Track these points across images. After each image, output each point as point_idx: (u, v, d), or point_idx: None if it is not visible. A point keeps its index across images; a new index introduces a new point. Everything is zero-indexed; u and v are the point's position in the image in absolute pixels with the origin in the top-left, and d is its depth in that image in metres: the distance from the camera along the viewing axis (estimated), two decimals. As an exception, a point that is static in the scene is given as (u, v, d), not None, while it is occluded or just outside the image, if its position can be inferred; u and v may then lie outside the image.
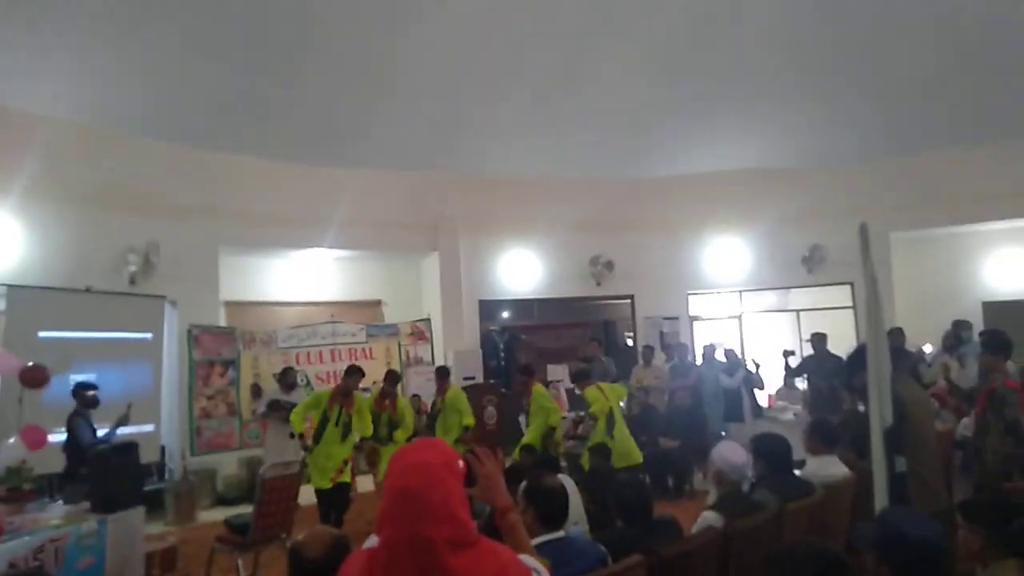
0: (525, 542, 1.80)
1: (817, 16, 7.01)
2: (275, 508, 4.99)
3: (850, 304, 11.11)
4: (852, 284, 11.07)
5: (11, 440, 5.13)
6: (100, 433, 6.19)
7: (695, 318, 11.77)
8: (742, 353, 8.97)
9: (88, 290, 7.61)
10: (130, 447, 5.22)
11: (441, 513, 1.39)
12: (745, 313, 11.87)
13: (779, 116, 8.99)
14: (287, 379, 7.81)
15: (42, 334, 7.11)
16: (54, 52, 6.27)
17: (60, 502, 5.16)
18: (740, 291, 11.79)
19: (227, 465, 8.86)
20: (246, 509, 6.47)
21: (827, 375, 7.30)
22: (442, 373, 7.71)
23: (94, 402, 6.27)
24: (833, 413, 5.77)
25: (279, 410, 7.43)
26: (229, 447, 8.64)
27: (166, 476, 8.33)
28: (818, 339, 7.88)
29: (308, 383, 9.32)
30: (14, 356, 5.99)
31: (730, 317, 11.90)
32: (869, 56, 7.64)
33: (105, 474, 4.92)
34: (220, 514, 6.86)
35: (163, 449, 8.35)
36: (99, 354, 7.55)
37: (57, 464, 6.00)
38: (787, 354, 8.17)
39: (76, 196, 7.86)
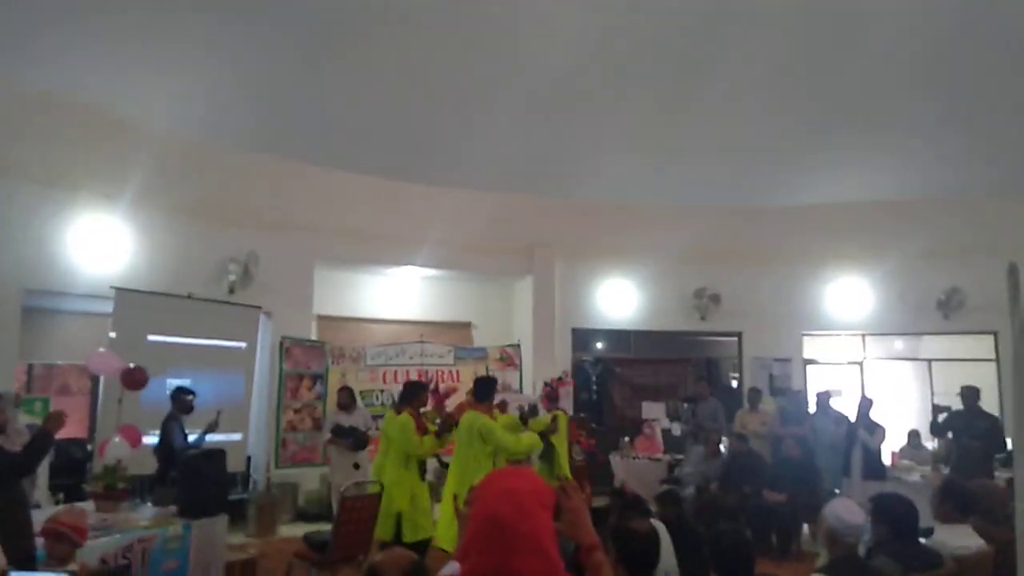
0: None
1: (953, 35, 6.64)
2: (354, 528, 5.10)
3: (992, 356, 10.33)
4: (996, 333, 10.30)
5: (116, 439, 5.50)
6: (191, 439, 6.56)
7: (809, 361, 11.31)
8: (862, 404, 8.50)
9: (190, 297, 8.12)
10: (218, 454, 5.50)
11: (530, 545, 1.38)
12: (868, 359, 11.28)
13: (910, 143, 8.54)
14: (343, 398, 8.01)
15: (148, 337, 7.64)
16: (169, 67, 6.81)
17: (150, 504, 5.49)
18: (863, 335, 11.27)
19: (309, 480, 9.17)
20: (325, 527, 6.68)
21: (979, 435, 6.80)
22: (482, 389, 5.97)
23: (190, 407, 6.65)
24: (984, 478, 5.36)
25: (342, 435, 7.63)
26: (312, 462, 8.93)
27: (250, 487, 8.70)
28: (969, 393, 7.36)
29: (395, 403, 9.54)
30: (118, 357, 6.47)
31: (850, 363, 11.36)
32: (1015, 77, 7.15)
33: (194, 479, 5.20)
34: (300, 529, 7.10)
35: (249, 459, 8.74)
36: (195, 360, 8.04)
37: (149, 466, 6.40)
38: (938, 410, 7.65)
39: (182, 206, 8.44)
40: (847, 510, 3.17)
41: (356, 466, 7.53)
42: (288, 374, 8.99)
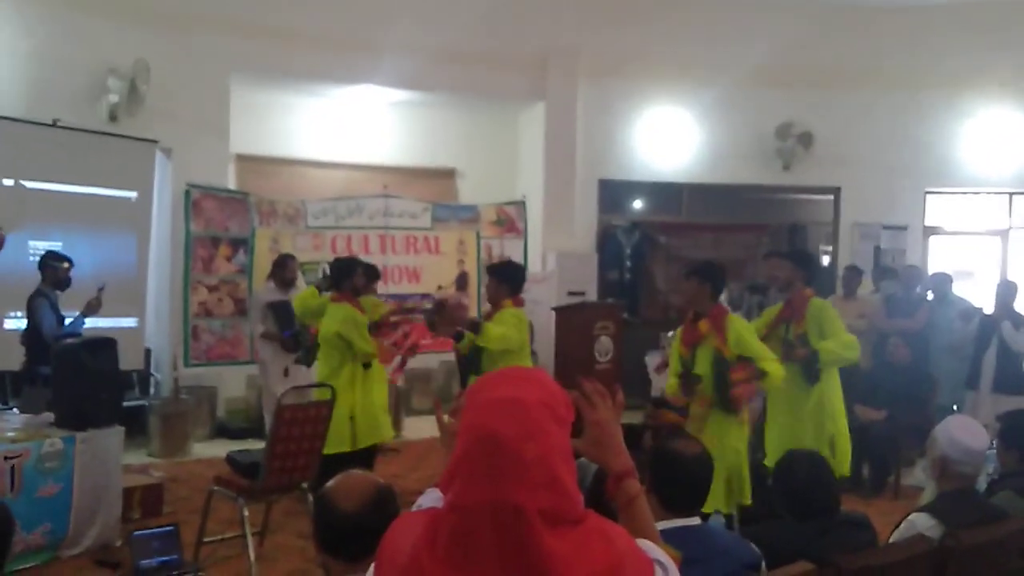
0: (647, 523, 1.86)
1: None
2: (296, 447, 5.30)
3: None
4: None
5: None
6: (67, 323, 6.71)
7: (932, 230, 11.39)
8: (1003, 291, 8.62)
9: (55, 124, 8.06)
10: (106, 345, 5.66)
11: (538, 474, 1.42)
12: (1015, 229, 11.38)
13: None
14: (283, 271, 8.09)
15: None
16: None
17: (15, 410, 5.70)
18: (1010, 193, 11.29)
19: (232, 383, 9.47)
20: (256, 444, 6.96)
21: None
22: (505, 276, 6.17)
23: (65, 280, 6.76)
24: None
25: (279, 325, 7.81)
26: (236, 359, 9.12)
27: (151, 391, 8.97)
28: None
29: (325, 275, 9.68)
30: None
31: (990, 233, 11.45)
32: None
33: (74, 378, 5.37)
34: (221, 448, 7.38)
35: (148, 354, 8.98)
36: (68, 215, 8.08)
37: (13, 360, 6.58)
38: None
39: (39, -9, 8.24)
40: (965, 430, 3.30)
41: (286, 372, 7.76)
42: (198, 237, 9.02)
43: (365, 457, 6.38)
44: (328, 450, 5.66)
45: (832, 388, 5.84)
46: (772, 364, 5.07)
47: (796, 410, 5.83)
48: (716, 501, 4.54)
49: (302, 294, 7.14)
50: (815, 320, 5.71)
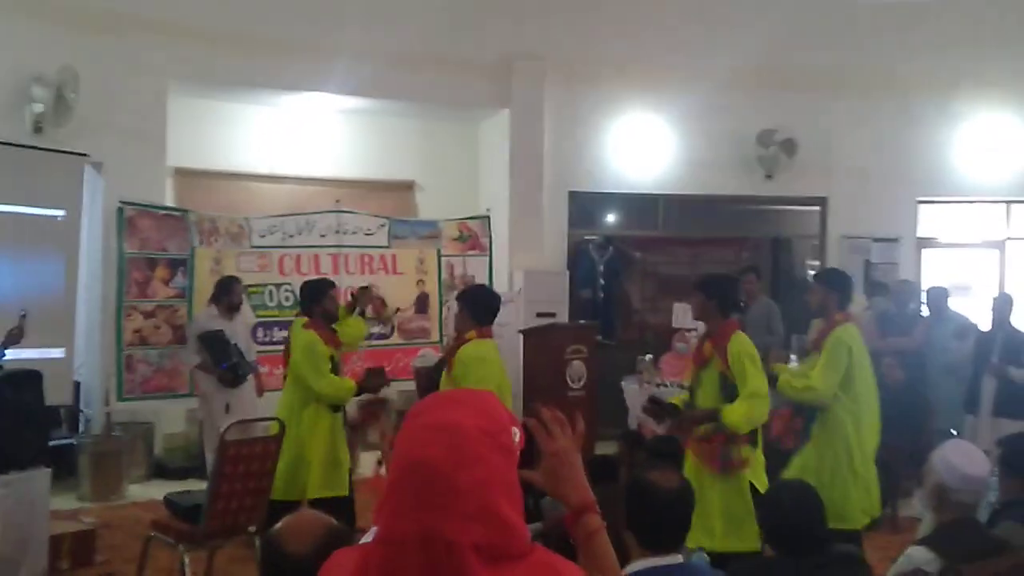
0: (607, 561, 1.87)
1: None
2: (241, 487, 5.26)
3: None
4: None
5: None
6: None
7: (926, 241, 11.49)
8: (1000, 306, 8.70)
9: (-28, 138, 7.97)
10: (30, 378, 5.59)
11: (473, 505, 1.42)
12: (1012, 239, 11.51)
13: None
14: (229, 296, 8.02)
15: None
16: None
17: (-70, 451, 5.58)
18: (1007, 201, 11.42)
19: (171, 419, 9.36)
20: (197, 485, 6.88)
21: None
22: (469, 303, 5.84)
23: (-20, 308, 6.67)
24: None
25: (214, 356, 7.73)
26: (174, 391, 9.02)
27: (81, 427, 8.85)
28: None
29: (296, 303, 9.61)
30: None
31: (986, 245, 11.57)
32: None
33: (-5, 415, 5.29)
34: (158, 489, 7.29)
35: (77, 387, 8.84)
36: (-13, 237, 7.96)
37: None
38: None
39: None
40: (964, 456, 3.33)
41: (227, 408, 7.69)
42: (132, 258, 8.93)
43: (318, 506, 6.23)
44: (276, 495, 5.61)
45: (832, 441, 5.47)
46: (733, 409, 4.81)
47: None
48: (699, 537, 4.50)
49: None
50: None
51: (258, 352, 8.58)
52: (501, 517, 1.44)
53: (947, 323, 8.62)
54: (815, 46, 10.75)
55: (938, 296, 8.88)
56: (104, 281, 8.88)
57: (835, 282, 5.73)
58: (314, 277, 7.70)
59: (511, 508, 1.47)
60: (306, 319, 6.30)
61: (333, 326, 6.44)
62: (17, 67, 8.49)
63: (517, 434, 1.56)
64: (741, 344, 4.95)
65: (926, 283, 10.19)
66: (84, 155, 8.69)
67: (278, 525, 2.41)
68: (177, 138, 9.76)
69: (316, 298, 6.31)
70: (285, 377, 6.48)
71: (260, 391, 8.21)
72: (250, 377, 8.00)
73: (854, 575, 3.09)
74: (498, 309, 5.83)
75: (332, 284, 6.64)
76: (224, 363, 7.67)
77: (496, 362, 5.62)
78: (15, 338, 6.68)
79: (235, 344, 7.81)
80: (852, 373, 5.40)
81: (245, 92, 10.46)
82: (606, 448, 8.23)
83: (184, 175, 10.33)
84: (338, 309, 6.55)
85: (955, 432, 8.07)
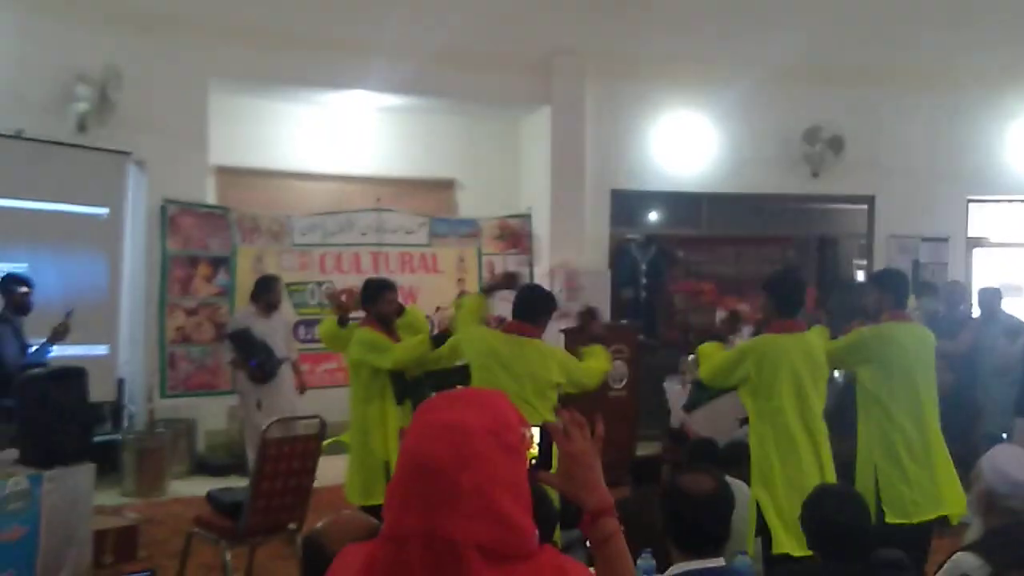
0: (623, 565, 1.87)
1: None
2: (282, 485, 5.31)
3: None
4: None
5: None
6: (30, 351, 6.72)
7: (976, 241, 11.40)
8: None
9: (19, 136, 8.09)
10: (74, 376, 5.66)
11: (476, 505, 1.44)
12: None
13: None
14: (268, 294, 8.07)
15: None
16: None
17: (-23, 446, 5.68)
18: (1063, 201, 11.28)
19: (213, 415, 9.43)
20: (239, 481, 6.95)
21: None
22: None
23: (26, 305, 6.79)
24: None
25: (242, 353, 7.79)
26: (216, 388, 9.15)
27: (124, 424, 8.96)
28: None
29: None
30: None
31: (1038, 245, 11.43)
32: None
33: (39, 411, 5.37)
34: (201, 486, 7.36)
35: (120, 384, 8.94)
36: (32, 234, 8.08)
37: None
38: None
39: (5, -9, 8.28)
40: (1013, 461, 3.29)
41: (259, 405, 7.74)
42: (175, 256, 9.05)
43: None
44: (357, 500, 5.55)
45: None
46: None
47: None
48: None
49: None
50: None
51: (300, 350, 8.64)
52: (506, 517, 1.46)
53: (998, 324, 8.51)
54: (863, 41, 10.64)
55: (990, 297, 8.76)
56: (147, 279, 8.99)
57: (889, 283, 5.59)
58: (375, 277, 7.14)
59: (517, 508, 1.48)
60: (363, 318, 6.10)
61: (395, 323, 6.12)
62: (61, 66, 8.60)
63: (528, 434, 1.57)
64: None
65: (976, 284, 10.07)
66: (127, 153, 8.81)
67: (319, 525, 2.44)
68: (219, 136, 9.84)
69: (371, 299, 6.04)
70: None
71: (301, 388, 8.26)
72: (288, 374, 8.06)
73: (899, 580, 3.06)
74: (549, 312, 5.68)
75: (390, 286, 6.23)
76: (253, 360, 7.74)
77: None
78: (61, 335, 6.82)
79: (263, 341, 7.84)
80: (891, 369, 5.29)
81: (286, 90, 10.52)
82: (648, 449, 8.23)
83: (226, 173, 10.41)
84: (395, 313, 6.13)
85: (1005, 435, 7.98)
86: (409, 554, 1.43)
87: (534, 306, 5.55)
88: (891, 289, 5.50)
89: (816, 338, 5.10)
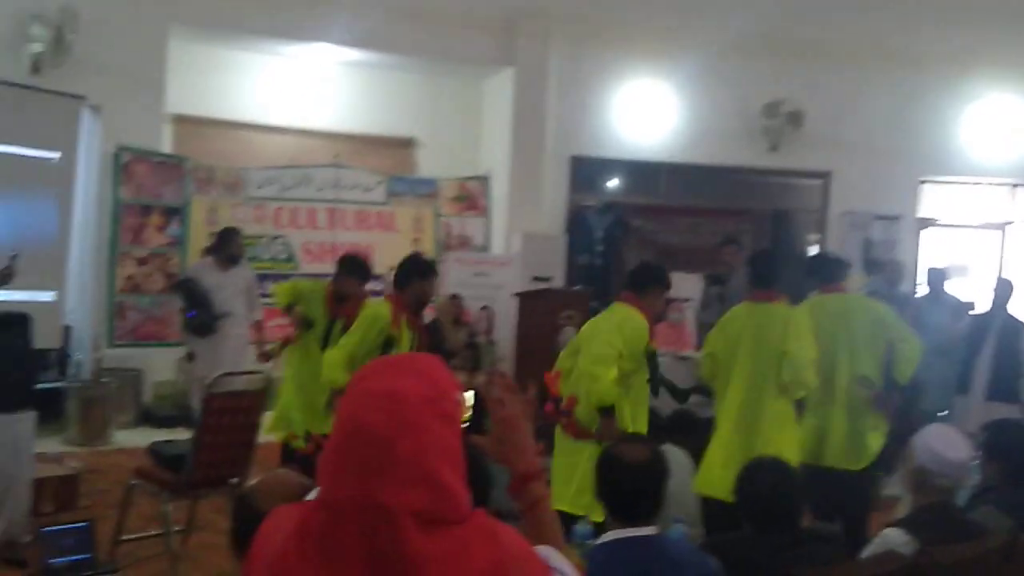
0: (551, 528, 1.89)
1: None
2: (226, 439, 5.27)
3: None
4: None
5: None
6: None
7: (926, 222, 11.52)
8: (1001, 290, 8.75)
9: (-31, 76, 7.94)
10: (18, 321, 5.59)
11: (412, 472, 1.44)
12: (1016, 222, 11.59)
13: None
14: (228, 247, 8.03)
15: None
16: None
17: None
18: (1012, 184, 11.46)
19: (160, 366, 9.39)
20: (184, 434, 6.91)
21: None
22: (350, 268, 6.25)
23: (-28, 248, 6.66)
24: None
25: (186, 302, 7.76)
26: (165, 340, 9.12)
27: (70, 372, 8.89)
28: None
29: (291, 258, 9.63)
30: None
31: (988, 226, 11.60)
32: None
33: (-19, 356, 5.31)
34: (146, 436, 7.24)
35: (67, 331, 8.84)
36: (-19, 177, 7.95)
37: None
38: None
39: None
40: (944, 441, 3.34)
41: (190, 356, 7.71)
42: (127, 204, 8.96)
43: None
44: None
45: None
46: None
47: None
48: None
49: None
50: None
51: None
52: (441, 483, 1.46)
53: (943, 304, 8.62)
54: (826, 18, 10.62)
55: (937, 277, 8.87)
56: (98, 226, 8.90)
57: (814, 266, 6.04)
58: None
59: (452, 474, 1.48)
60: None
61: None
62: (16, 5, 8.46)
63: (463, 399, 1.57)
64: None
65: (925, 263, 10.19)
66: (81, 97, 8.67)
67: (252, 483, 2.43)
68: (177, 84, 9.72)
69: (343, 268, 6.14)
70: None
71: (262, 352, 8.21)
72: (237, 331, 8.02)
73: (827, 552, 3.11)
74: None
75: (359, 266, 6.22)
76: (192, 311, 7.71)
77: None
78: (5, 279, 6.69)
79: (206, 294, 7.83)
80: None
81: (247, 39, 10.40)
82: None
83: (182, 122, 10.30)
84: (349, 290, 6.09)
85: (946, 413, 8.10)
86: (344, 522, 1.44)
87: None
88: (815, 271, 5.89)
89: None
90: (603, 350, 4.93)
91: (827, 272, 5.88)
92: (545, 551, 1.68)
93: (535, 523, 1.87)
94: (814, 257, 6.41)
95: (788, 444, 4.87)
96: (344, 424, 1.49)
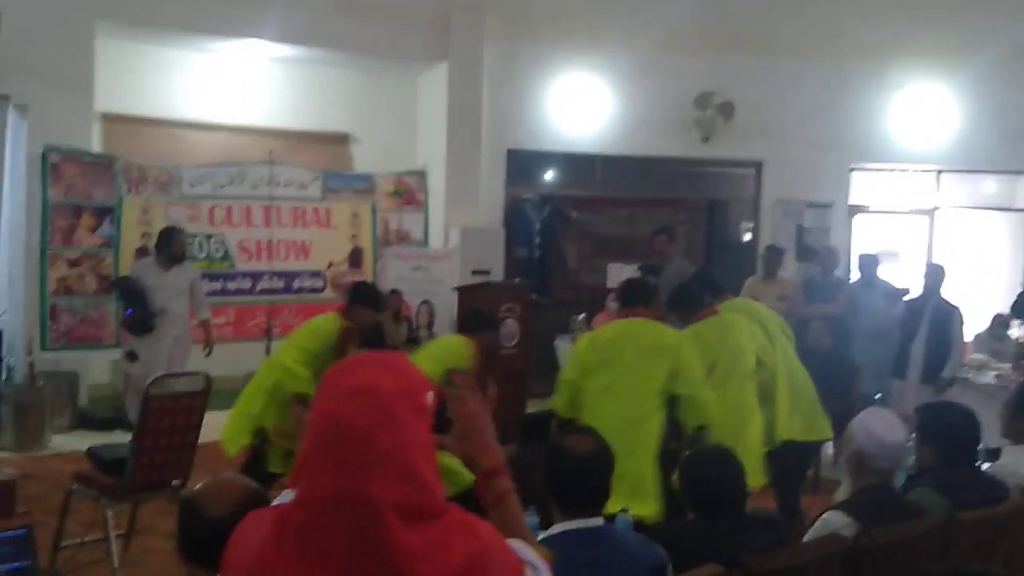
0: (518, 522, 1.91)
1: None
2: (167, 441, 5.21)
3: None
4: None
5: None
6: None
7: (857, 208, 11.72)
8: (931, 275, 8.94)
9: None
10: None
11: (392, 466, 1.45)
12: (942, 208, 11.78)
13: None
14: (170, 246, 7.94)
15: None
16: None
17: None
18: (938, 171, 11.67)
19: (96, 369, 9.29)
20: (123, 437, 6.81)
21: None
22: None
23: None
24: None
25: (124, 299, 7.70)
26: (99, 342, 8.96)
27: (2, 377, 8.70)
28: None
29: (227, 255, 9.52)
30: None
31: (915, 212, 11.82)
32: None
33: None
34: (83, 440, 7.25)
35: (-1, 336, 8.71)
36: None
37: None
38: None
39: None
40: (882, 423, 3.40)
41: (131, 356, 7.61)
42: (57, 205, 8.80)
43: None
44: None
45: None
46: None
47: None
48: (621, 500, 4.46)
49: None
50: None
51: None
52: (420, 477, 1.48)
53: (876, 290, 8.77)
54: (755, 10, 10.80)
55: (868, 263, 9.02)
56: (27, 228, 8.71)
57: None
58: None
59: (428, 468, 1.50)
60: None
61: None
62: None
63: (430, 396, 1.59)
64: None
65: (857, 249, 10.37)
66: (7, 97, 8.47)
67: (196, 488, 2.41)
68: (105, 82, 9.57)
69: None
70: None
71: (208, 348, 8.21)
72: (178, 330, 7.94)
73: (771, 537, 3.15)
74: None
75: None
76: (129, 310, 7.62)
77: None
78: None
79: (142, 293, 7.75)
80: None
81: (177, 36, 10.26)
82: (538, 406, 8.30)
83: (112, 121, 10.14)
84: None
85: (882, 396, 8.25)
86: (326, 517, 1.44)
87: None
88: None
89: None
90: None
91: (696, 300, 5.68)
92: (516, 545, 1.70)
93: (502, 517, 1.88)
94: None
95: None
96: (322, 420, 1.50)
